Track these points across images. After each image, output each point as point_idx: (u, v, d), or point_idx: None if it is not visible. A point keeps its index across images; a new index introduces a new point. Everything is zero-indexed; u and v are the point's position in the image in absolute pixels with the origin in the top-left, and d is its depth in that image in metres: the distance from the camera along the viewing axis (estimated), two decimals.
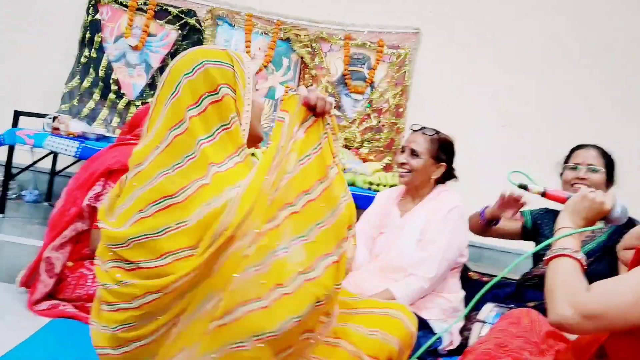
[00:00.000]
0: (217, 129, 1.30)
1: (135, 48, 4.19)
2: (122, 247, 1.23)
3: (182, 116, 1.29)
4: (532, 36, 4.51)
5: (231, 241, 1.18)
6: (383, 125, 4.25)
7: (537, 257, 2.43)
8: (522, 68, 4.53)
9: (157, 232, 1.20)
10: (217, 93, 1.31)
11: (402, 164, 2.35)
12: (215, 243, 1.17)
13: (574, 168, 2.35)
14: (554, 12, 4.48)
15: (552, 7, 4.48)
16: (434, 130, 2.40)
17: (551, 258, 1.31)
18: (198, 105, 1.29)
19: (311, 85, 4.26)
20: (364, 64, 4.33)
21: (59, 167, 4.25)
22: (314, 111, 1.35)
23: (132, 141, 2.25)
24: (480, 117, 4.53)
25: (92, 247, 2.09)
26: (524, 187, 1.70)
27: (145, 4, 4.19)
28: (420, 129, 2.39)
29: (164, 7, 4.20)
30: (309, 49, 4.28)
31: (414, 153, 2.34)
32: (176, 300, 1.20)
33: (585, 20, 4.45)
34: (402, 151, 2.40)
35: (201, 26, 4.22)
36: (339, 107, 4.27)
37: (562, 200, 1.53)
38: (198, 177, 1.24)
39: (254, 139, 1.42)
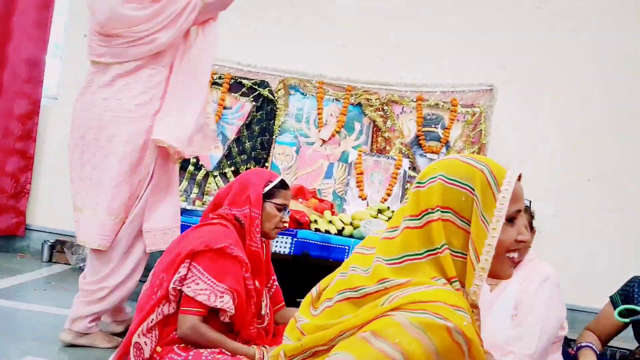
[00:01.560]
0: (431, 250, 1.17)
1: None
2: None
3: (398, 222, 1.24)
4: (614, 88, 4.35)
5: None
6: None
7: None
8: (604, 120, 4.36)
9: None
10: (440, 214, 1.17)
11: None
12: None
13: None
14: (637, 62, 4.33)
15: (636, 58, 4.33)
16: (526, 199, 2.27)
17: None
18: (417, 219, 1.19)
19: (384, 148, 4.23)
20: (437, 123, 4.27)
21: None
22: None
23: (215, 221, 2.26)
24: (563, 172, 4.36)
25: (179, 333, 2.08)
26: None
27: (220, 77, 4.33)
28: None
29: (238, 79, 4.33)
30: (381, 112, 4.28)
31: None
32: None
33: None
34: None
35: (274, 96, 4.31)
36: (414, 168, 4.21)
37: None
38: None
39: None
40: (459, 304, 1.08)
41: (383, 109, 4.27)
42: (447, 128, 4.24)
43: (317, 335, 1.20)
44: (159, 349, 2.07)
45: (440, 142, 4.24)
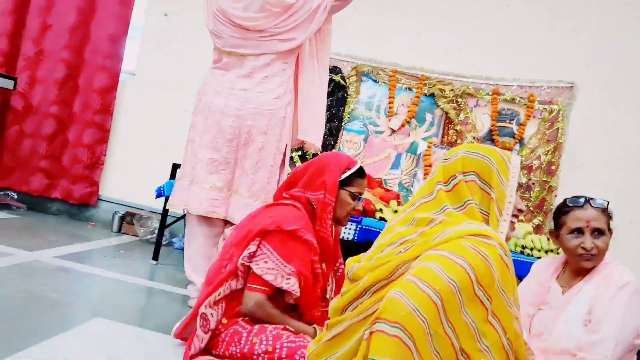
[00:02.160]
0: (455, 207, 1.49)
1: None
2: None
3: (432, 189, 1.53)
4: None
5: None
6: (533, 184, 4.01)
7: None
8: None
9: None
10: (464, 176, 1.50)
11: (587, 247, 2.09)
12: None
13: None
14: None
15: None
16: (604, 200, 2.15)
17: None
18: (447, 184, 1.51)
19: (455, 141, 4.13)
20: (512, 119, 4.14)
21: None
22: None
23: (287, 201, 2.27)
24: None
25: (244, 309, 2.09)
26: None
27: None
28: (586, 202, 2.14)
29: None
30: (454, 104, 4.18)
31: (598, 232, 2.07)
32: None
33: None
34: (578, 231, 2.13)
35: (346, 83, 4.28)
36: None
37: None
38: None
39: None
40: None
41: (457, 101, 4.17)
42: (522, 124, 4.10)
43: (377, 271, 1.42)
44: (224, 320, 2.09)
45: (514, 138, 4.10)
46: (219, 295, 2.08)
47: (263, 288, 2.08)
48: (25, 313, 2.30)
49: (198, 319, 2.05)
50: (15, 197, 4.62)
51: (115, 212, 4.57)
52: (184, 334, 2.20)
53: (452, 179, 1.50)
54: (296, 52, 2.83)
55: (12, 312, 2.27)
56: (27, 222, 4.25)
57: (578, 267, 2.14)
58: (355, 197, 2.28)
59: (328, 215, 2.23)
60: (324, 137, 4.18)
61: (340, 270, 2.45)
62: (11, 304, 2.35)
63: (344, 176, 2.24)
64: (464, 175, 1.49)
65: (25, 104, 4.64)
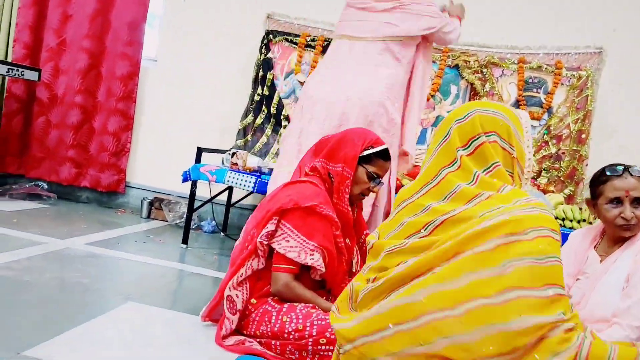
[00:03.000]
0: (482, 171, 1.37)
1: (304, 83, 4.29)
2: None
3: (454, 156, 1.39)
4: None
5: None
6: (563, 153, 3.92)
7: None
8: None
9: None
10: (486, 137, 1.38)
11: (627, 217, 2.03)
12: None
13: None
14: None
15: None
16: None
17: None
18: (467, 148, 1.38)
19: None
20: (540, 88, 4.04)
21: (233, 199, 4.45)
22: None
23: (306, 178, 2.24)
24: None
25: (273, 290, 2.09)
26: None
27: (313, 40, 4.29)
28: (625, 171, 2.06)
29: (331, 41, 4.27)
30: (479, 75, 4.10)
31: (637, 201, 1.98)
32: None
33: None
34: (617, 201, 2.07)
35: None
36: None
37: None
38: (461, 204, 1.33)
39: None
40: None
41: (482, 72, 4.09)
42: (550, 93, 4.00)
43: (429, 257, 1.27)
44: (253, 300, 2.10)
45: (542, 107, 4.01)
46: (241, 276, 2.08)
47: (289, 267, 2.08)
48: (59, 299, 2.33)
49: (224, 301, 2.07)
50: (46, 187, 4.69)
51: (143, 198, 4.61)
52: (213, 316, 2.22)
53: (473, 141, 1.38)
54: (409, 52, 2.81)
55: (47, 299, 2.31)
56: (58, 211, 4.32)
57: (616, 236, 2.08)
58: (372, 177, 2.24)
59: (345, 189, 2.21)
60: None
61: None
62: (45, 291, 2.39)
63: (365, 153, 2.21)
64: (487, 136, 1.38)
65: (50, 94, 4.69)
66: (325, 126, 2.69)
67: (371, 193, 2.30)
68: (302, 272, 2.12)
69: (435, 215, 1.33)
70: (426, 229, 1.34)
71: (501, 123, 1.38)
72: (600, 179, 2.08)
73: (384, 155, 2.27)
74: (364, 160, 2.22)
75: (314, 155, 2.30)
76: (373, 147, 2.23)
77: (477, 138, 1.37)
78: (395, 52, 2.75)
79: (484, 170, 1.36)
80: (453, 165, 1.39)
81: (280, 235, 2.10)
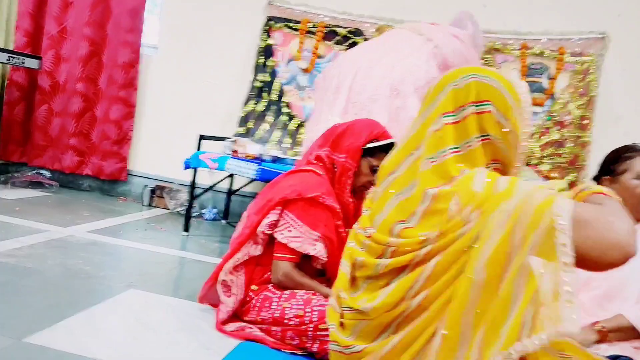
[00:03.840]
0: (467, 142, 1.27)
1: (305, 70, 4.28)
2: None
3: (437, 120, 1.29)
4: None
5: None
6: (566, 140, 3.90)
7: None
8: None
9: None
10: (479, 106, 1.27)
11: None
12: None
13: None
14: None
15: None
16: None
17: None
18: (454, 115, 1.28)
19: None
20: (542, 73, 4.02)
21: (234, 186, 4.45)
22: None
23: (309, 167, 2.24)
24: None
25: (273, 279, 2.09)
26: None
27: (314, 26, 4.27)
28: None
29: (333, 28, 4.25)
30: (482, 61, 4.06)
31: None
32: None
33: None
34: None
35: None
36: None
37: None
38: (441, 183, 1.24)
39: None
40: None
41: (484, 58, 4.06)
42: (553, 78, 3.98)
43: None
44: (254, 287, 2.11)
45: (545, 93, 3.99)
46: (237, 260, 2.09)
47: (289, 256, 2.08)
48: (62, 286, 2.34)
49: (218, 285, 2.08)
50: (48, 175, 4.69)
51: (145, 186, 4.62)
52: (208, 298, 2.24)
53: (462, 110, 1.27)
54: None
55: (50, 286, 2.32)
56: (60, 199, 4.33)
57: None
58: (375, 170, 2.23)
59: (347, 180, 2.20)
60: None
61: None
62: (48, 278, 2.41)
63: (369, 145, 2.20)
64: (476, 107, 1.26)
65: (52, 82, 4.68)
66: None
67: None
68: (303, 261, 2.12)
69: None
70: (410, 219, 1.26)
71: (497, 93, 1.27)
72: (625, 155, 2.06)
73: (389, 149, 2.25)
74: (368, 152, 2.21)
75: (321, 144, 2.29)
76: (378, 140, 2.21)
77: (467, 107, 1.27)
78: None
79: (454, 148, 1.26)
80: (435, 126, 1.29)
81: (282, 225, 2.10)
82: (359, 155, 2.19)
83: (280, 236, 2.08)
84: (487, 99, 1.26)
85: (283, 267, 2.08)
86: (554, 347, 1.29)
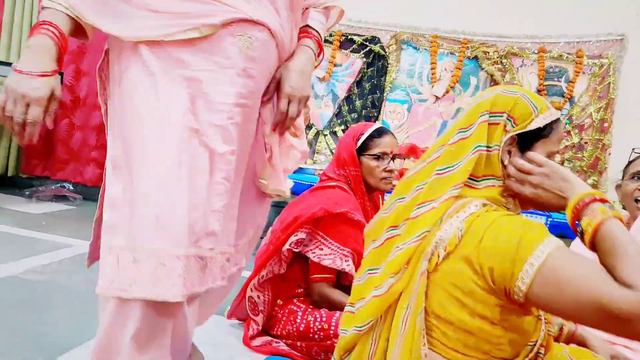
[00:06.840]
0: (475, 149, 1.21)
1: (322, 79, 4.30)
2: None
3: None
4: None
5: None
6: (586, 143, 3.88)
7: None
8: None
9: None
10: (495, 117, 1.22)
11: None
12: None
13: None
14: None
15: None
16: None
17: None
18: (465, 131, 1.24)
19: None
20: (561, 77, 4.00)
21: None
22: None
23: (332, 183, 2.25)
24: None
25: (311, 300, 2.11)
26: None
27: (331, 35, 4.29)
28: None
29: (349, 36, 4.27)
30: (499, 66, 4.06)
31: None
32: None
33: None
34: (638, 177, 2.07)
35: (385, 52, 4.21)
36: None
37: None
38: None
39: None
40: None
41: (501, 62, 4.06)
42: (571, 81, 3.96)
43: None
44: (280, 301, 2.13)
45: (564, 97, 3.97)
46: (262, 277, 2.10)
47: (325, 276, 2.08)
48: (90, 302, 2.37)
49: (246, 302, 2.10)
50: (71, 188, 4.76)
51: None
52: (237, 314, 2.26)
53: (482, 115, 1.22)
54: None
55: (78, 302, 2.35)
56: (84, 212, 4.39)
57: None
58: (379, 157, 2.23)
59: (361, 187, 2.24)
60: (366, 109, 4.17)
61: None
62: (75, 295, 2.44)
63: (358, 143, 2.23)
64: (486, 117, 1.21)
65: (73, 97, 4.75)
66: None
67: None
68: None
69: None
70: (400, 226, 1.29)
71: (518, 101, 1.20)
72: (630, 160, 2.11)
73: (379, 132, 2.27)
74: (363, 150, 2.24)
75: (334, 166, 2.33)
76: (363, 134, 2.25)
77: (487, 115, 1.21)
78: None
79: (446, 168, 1.21)
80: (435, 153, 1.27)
81: (313, 244, 2.09)
82: (357, 159, 2.23)
83: (312, 255, 2.07)
84: (501, 110, 1.21)
85: (316, 288, 2.08)
86: (573, 354, 1.30)
